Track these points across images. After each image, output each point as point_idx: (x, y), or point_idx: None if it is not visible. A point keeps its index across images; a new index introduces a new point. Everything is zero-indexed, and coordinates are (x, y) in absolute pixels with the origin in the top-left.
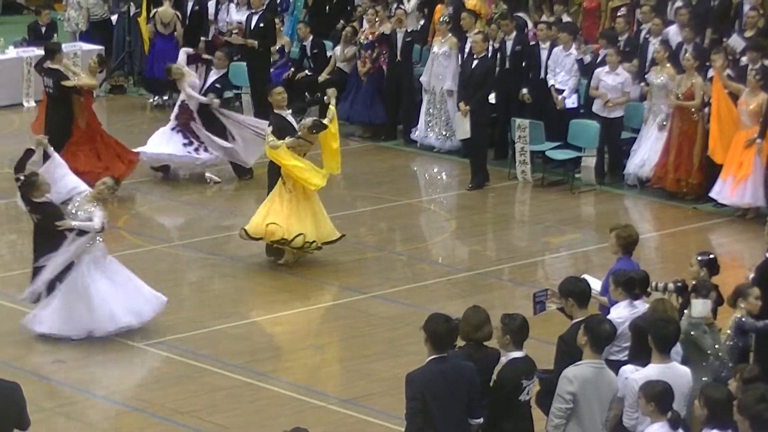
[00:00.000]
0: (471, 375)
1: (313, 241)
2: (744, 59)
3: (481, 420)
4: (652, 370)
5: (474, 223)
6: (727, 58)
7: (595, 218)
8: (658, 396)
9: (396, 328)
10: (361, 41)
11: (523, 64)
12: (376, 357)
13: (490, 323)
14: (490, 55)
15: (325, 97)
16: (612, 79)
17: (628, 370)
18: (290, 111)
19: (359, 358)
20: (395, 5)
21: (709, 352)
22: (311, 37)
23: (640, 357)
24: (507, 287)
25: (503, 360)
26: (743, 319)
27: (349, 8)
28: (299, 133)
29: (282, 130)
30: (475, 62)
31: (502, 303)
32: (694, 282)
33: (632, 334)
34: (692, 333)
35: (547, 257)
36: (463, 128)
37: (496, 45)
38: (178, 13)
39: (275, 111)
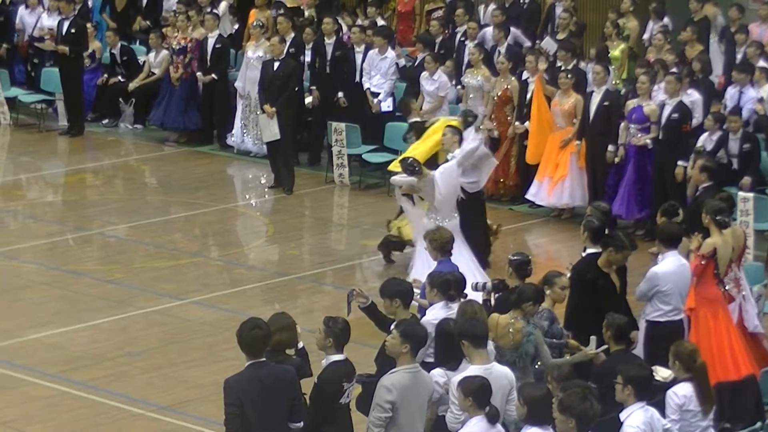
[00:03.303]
0: (291, 379)
1: None
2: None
3: (302, 424)
4: (474, 372)
5: (291, 227)
6: (548, 60)
7: None
8: (476, 391)
9: (214, 333)
10: (174, 47)
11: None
12: (194, 363)
13: (291, 330)
14: (309, 58)
15: None
16: (429, 84)
17: (437, 373)
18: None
19: (177, 365)
20: (209, 10)
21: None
22: (119, 44)
23: (448, 360)
24: (326, 291)
25: (323, 363)
26: (546, 311)
27: (156, 13)
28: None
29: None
30: (277, 64)
31: (322, 307)
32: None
33: (437, 337)
34: (534, 336)
35: (365, 260)
36: (271, 130)
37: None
38: None
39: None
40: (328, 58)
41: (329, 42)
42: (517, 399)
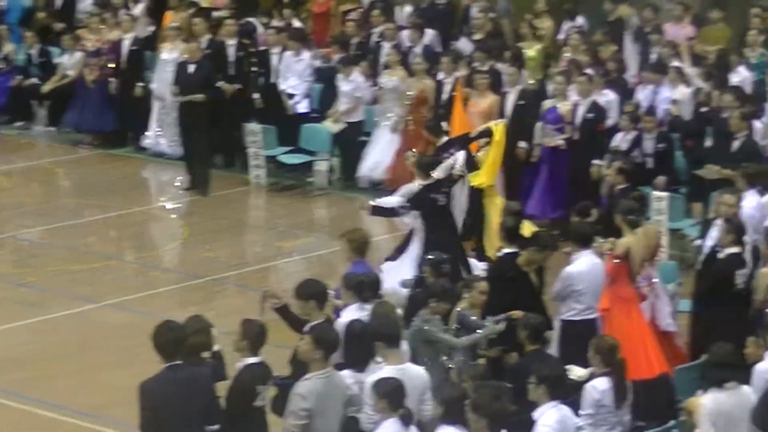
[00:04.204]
0: (205, 382)
1: None
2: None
3: (217, 427)
4: (389, 373)
5: (207, 229)
6: (466, 63)
7: (329, 222)
8: (390, 392)
9: (129, 336)
10: (88, 49)
11: (252, 69)
12: (109, 366)
13: (207, 333)
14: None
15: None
16: (345, 84)
17: (345, 375)
18: None
19: (93, 369)
20: (123, 11)
21: (448, 348)
22: (38, 46)
23: (356, 362)
24: (241, 293)
25: (239, 365)
26: (463, 313)
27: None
28: None
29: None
30: (193, 66)
31: (237, 309)
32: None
33: (346, 339)
34: (426, 329)
35: (280, 262)
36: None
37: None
38: None
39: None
40: (231, 59)
41: (231, 44)
42: (434, 399)
